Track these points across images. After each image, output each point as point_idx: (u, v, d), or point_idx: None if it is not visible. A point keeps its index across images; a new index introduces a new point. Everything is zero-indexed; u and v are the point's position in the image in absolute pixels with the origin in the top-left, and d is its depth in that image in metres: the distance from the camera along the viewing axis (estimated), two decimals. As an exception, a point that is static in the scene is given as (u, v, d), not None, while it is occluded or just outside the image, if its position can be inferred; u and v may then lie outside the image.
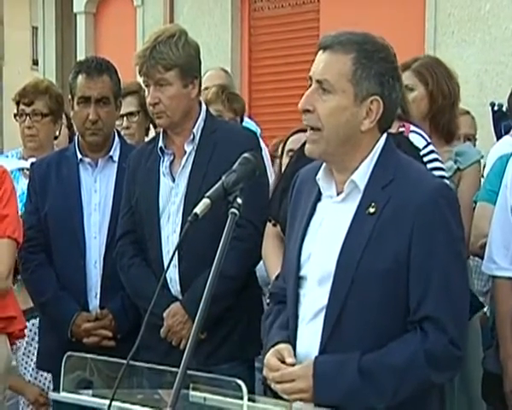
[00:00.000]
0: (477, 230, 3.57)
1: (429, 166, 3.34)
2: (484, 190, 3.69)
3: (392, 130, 3.35)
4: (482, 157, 4.05)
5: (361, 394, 2.31)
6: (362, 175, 2.41)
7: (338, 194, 2.46)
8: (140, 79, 3.53)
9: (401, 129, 3.42)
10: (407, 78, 3.84)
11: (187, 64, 3.35)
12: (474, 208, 3.72)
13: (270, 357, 2.43)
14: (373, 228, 2.35)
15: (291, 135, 4.07)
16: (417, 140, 3.38)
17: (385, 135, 2.47)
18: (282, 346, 2.43)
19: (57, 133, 4.34)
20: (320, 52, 2.42)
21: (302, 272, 2.47)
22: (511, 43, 6.84)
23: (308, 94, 2.41)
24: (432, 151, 3.41)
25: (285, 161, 4.04)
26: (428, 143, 3.42)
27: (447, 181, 3.37)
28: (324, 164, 2.48)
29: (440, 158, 3.47)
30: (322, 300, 2.40)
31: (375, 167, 2.41)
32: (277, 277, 2.78)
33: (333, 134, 2.39)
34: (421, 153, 3.35)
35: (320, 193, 2.49)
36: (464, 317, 2.43)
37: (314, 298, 2.42)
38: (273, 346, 2.45)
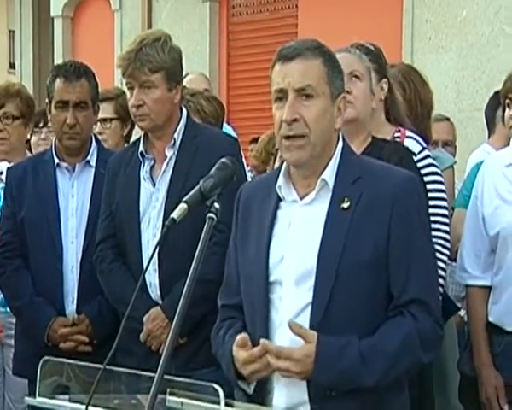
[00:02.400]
0: (454, 235, 3.60)
1: (425, 170, 3.37)
2: (461, 196, 3.73)
3: (388, 135, 3.38)
4: (455, 162, 4.09)
5: (357, 376, 2.36)
6: (330, 174, 2.48)
7: (301, 198, 2.50)
8: (118, 84, 3.52)
9: (397, 134, 3.45)
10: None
11: (172, 68, 3.37)
12: (452, 215, 3.75)
13: (239, 354, 2.42)
14: (350, 222, 2.41)
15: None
16: (413, 145, 3.41)
17: (341, 135, 2.55)
18: (238, 338, 2.44)
19: (28, 136, 4.33)
20: (283, 63, 2.45)
21: (273, 277, 2.48)
22: (488, 49, 6.88)
23: (290, 104, 2.43)
24: (428, 156, 3.43)
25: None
26: (424, 148, 3.44)
27: (443, 186, 3.41)
28: (283, 171, 2.52)
29: (436, 163, 3.49)
30: (303, 299, 2.42)
31: (339, 166, 2.48)
32: (223, 288, 2.74)
33: (319, 137, 2.44)
34: (417, 158, 3.37)
35: (279, 200, 2.52)
36: (439, 298, 2.56)
37: (293, 299, 2.44)
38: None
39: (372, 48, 3.48)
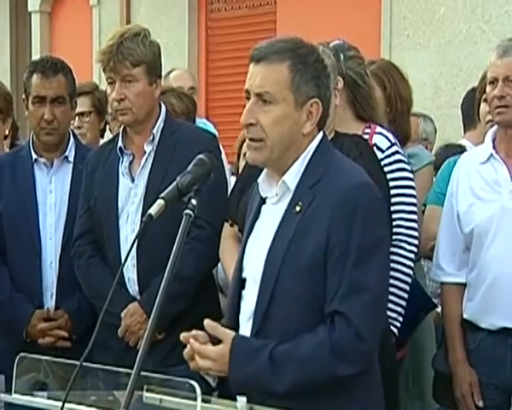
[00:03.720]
0: (427, 232, 3.62)
1: (393, 166, 3.35)
2: (433, 192, 3.74)
3: (358, 131, 3.38)
4: (434, 160, 4.10)
5: (265, 380, 2.36)
6: (293, 175, 2.46)
7: (276, 195, 2.51)
8: (96, 79, 3.51)
9: (367, 130, 3.43)
10: None
11: (152, 62, 3.39)
12: (424, 211, 3.76)
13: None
14: (297, 226, 2.41)
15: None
16: (381, 141, 3.39)
17: (320, 134, 2.51)
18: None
19: (6, 132, 4.30)
20: (253, 64, 2.46)
21: (244, 274, 2.52)
22: (465, 46, 6.92)
23: (249, 108, 2.45)
24: (396, 152, 3.40)
25: (242, 163, 4.03)
26: (393, 144, 3.41)
27: (411, 182, 3.41)
28: (266, 168, 2.53)
29: (406, 159, 3.48)
30: (255, 300, 2.45)
31: (306, 167, 2.47)
32: None
33: (276, 142, 2.43)
34: (385, 154, 3.35)
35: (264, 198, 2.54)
36: (377, 314, 2.44)
37: (251, 297, 2.47)
38: None
39: (336, 44, 3.44)
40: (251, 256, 2.50)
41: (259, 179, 2.54)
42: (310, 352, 2.35)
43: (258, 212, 2.54)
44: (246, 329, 2.47)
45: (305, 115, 2.44)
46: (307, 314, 2.39)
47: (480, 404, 3.27)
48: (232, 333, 2.41)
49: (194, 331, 2.44)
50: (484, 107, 3.89)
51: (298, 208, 2.42)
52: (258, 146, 2.44)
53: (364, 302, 2.37)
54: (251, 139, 2.45)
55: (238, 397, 2.48)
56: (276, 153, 2.44)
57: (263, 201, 2.54)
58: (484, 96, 3.81)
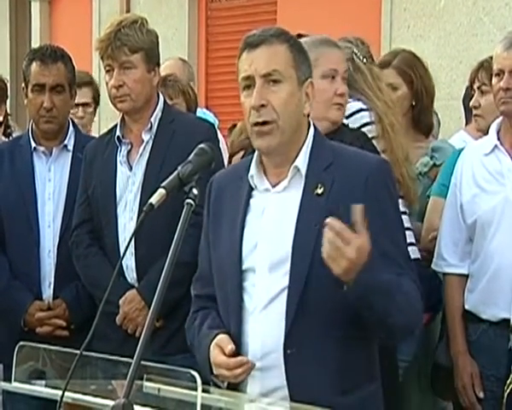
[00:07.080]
0: (428, 223, 3.62)
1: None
2: (436, 184, 3.74)
3: None
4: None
5: (391, 294, 2.36)
6: (302, 161, 2.49)
7: (273, 186, 2.50)
8: (96, 68, 3.51)
9: None
10: (390, 76, 3.82)
11: (151, 49, 3.40)
12: (427, 203, 3.76)
13: (216, 356, 2.44)
14: (324, 207, 2.42)
15: (234, 154, 3.92)
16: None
17: (311, 124, 2.55)
18: (219, 337, 2.45)
19: (1, 119, 4.30)
20: (250, 51, 2.47)
21: (246, 265, 2.49)
22: (465, 38, 6.91)
23: (258, 90, 2.44)
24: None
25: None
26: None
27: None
28: (254, 160, 2.53)
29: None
30: (278, 285, 2.43)
31: (311, 153, 2.49)
32: (196, 278, 2.73)
33: (287, 122, 2.45)
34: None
35: (251, 190, 2.53)
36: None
37: (266, 286, 2.45)
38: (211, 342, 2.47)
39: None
40: (259, 245, 2.47)
41: (251, 172, 2.52)
42: (410, 289, 2.41)
43: (247, 205, 2.52)
44: (259, 320, 2.44)
45: (304, 95, 2.49)
46: (344, 293, 2.37)
47: (481, 395, 3.27)
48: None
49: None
50: (481, 97, 3.89)
51: (320, 190, 2.44)
52: (270, 129, 2.43)
53: (411, 267, 2.50)
54: (262, 123, 2.44)
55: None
56: (287, 134, 2.45)
57: (250, 194, 2.52)
58: (483, 88, 3.81)
